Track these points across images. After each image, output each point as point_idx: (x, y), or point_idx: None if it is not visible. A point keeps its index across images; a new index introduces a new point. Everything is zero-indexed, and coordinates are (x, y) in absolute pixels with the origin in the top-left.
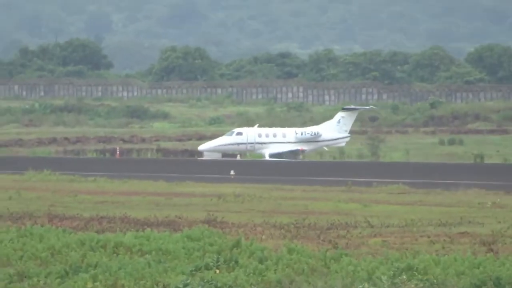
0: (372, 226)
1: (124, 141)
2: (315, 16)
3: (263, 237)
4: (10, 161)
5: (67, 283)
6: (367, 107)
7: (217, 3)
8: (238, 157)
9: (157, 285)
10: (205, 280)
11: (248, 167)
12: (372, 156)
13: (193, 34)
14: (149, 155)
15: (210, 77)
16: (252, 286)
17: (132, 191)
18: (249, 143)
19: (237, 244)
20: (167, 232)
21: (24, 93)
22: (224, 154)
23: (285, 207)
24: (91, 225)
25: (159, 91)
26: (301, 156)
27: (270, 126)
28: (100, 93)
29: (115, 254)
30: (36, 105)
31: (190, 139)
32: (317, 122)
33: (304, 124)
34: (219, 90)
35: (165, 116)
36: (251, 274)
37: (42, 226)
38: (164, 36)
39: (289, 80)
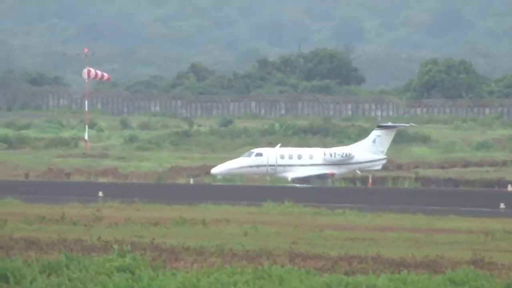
0: None
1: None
2: None
3: None
4: (246, 190)
5: None
6: (406, 125)
7: (485, 10)
8: (510, 188)
9: None
10: None
11: None
12: None
13: (457, 45)
14: (406, 185)
15: (477, 95)
16: None
17: (387, 226)
18: (269, 165)
19: None
20: (427, 275)
21: (263, 111)
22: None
23: None
24: (339, 265)
25: (418, 110)
26: (330, 181)
27: None
28: (350, 112)
29: None
30: (277, 125)
31: (454, 166)
32: None
33: None
34: (487, 110)
35: (425, 139)
36: None
37: (282, 266)
38: (424, 47)
39: None
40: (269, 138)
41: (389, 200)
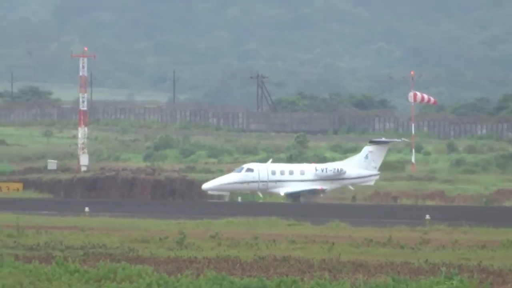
0: None
1: None
2: None
3: None
4: None
5: None
6: (398, 140)
7: None
8: None
9: None
10: None
11: None
12: None
13: None
14: None
15: None
16: None
17: None
18: (261, 181)
19: None
20: None
21: None
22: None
23: None
24: None
25: None
26: (321, 196)
27: None
28: None
29: None
30: None
31: None
32: None
33: None
34: None
35: None
36: None
37: None
38: None
39: None
40: None
41: None
